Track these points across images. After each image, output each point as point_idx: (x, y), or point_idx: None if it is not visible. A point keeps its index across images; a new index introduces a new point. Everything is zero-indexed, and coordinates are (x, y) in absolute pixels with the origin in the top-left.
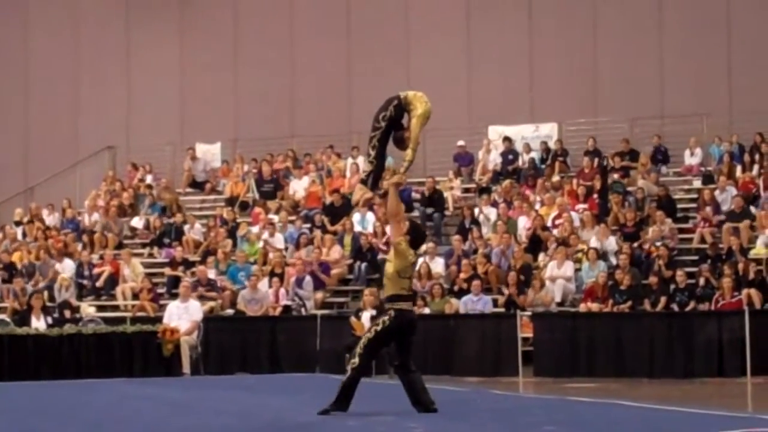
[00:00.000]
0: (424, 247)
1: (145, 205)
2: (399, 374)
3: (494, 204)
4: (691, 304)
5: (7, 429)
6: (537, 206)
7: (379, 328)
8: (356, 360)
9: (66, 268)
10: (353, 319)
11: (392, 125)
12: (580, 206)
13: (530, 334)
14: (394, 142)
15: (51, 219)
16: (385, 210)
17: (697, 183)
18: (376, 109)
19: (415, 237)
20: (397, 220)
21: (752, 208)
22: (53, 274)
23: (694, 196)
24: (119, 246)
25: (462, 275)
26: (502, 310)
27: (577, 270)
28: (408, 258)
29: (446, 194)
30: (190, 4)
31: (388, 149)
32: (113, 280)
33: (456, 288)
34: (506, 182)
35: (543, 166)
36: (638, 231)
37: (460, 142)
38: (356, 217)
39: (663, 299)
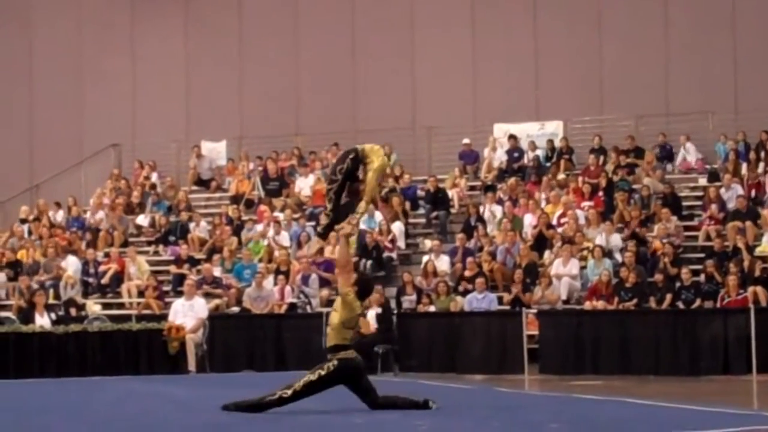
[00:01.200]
0: (429, 244)
1: (150, 203)
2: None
3: (500, 202)
4: (697, 302)
5: (12, 426)
6: (542, 204)
7: (323, 373)
8: (288, 393)
9: (71, 265)
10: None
11: (348, 178)
12: (586, 204)
13: (536, 332)
14: (349, 194)
15: (56, 217)
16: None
17: (703, 180)
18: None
19: (363, 289)
20: (347, 271)
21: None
22: (58, 272)
23: (700, 193)
24: (125, 244)
25: (467, 273)
26: (507, 307)
27: (583, 268)
28: (354, 309)
29: (451, 192)
30: (195, 2)
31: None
32: (119, 277)
33: (461, 288)
34: (512, 180)
35: (548, 164)
36: (643, 229)
37: (466, 140)
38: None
39: (668, 297)
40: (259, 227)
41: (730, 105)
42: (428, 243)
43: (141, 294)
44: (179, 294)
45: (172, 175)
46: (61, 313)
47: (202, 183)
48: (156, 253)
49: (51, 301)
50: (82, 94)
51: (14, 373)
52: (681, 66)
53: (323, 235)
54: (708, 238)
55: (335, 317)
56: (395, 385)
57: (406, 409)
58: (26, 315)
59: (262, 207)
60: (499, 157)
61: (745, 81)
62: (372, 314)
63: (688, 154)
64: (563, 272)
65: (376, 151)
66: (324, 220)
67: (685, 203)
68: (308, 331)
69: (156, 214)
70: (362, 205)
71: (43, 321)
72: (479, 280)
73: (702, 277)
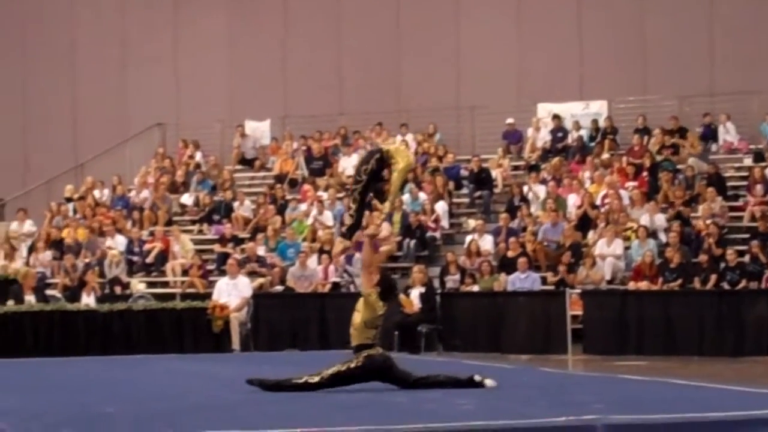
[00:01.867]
0: (472, 224)
1: (195, 182)
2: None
3: (543, 182)
4: (742, 283)
5: (58, 404)
6: (586, 184)
7: (351, 366)
8: (315, 379)
9: (116, 244)
10: (402, 296)
11: (373, 178)
12: (630, 184)
13: (579, 312)
14: (374, 194)
15: (101, 196)
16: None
17: (748, 161)
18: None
19: (386, 289)
20: (370, 271)
21: None
22: (101, 252)
23: (745, 174)
24: (169, 223)
25: (510, 253)
26: (550, 287)
27: (627, 248)
28: (376, 310)
29: (494, 172)
30: None
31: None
32: (163, 256)
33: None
34: (555, 160)
35: (592, 144)
36: (688, 209)
37: (510, 120)
38: (405, 195)
39: (713, 277)
40: (303, 206)
41: None
42: (472, 223)
43: (185, 273)
44: (223, 273)
45: (216, 154)
46: (106, 291)
47: (246, 162)
48: (200, 231)
49: (96, 279)
50: (127, 74)
51: (60, 352)
52: (725, 46)
53: (347, 236)
54: (753, 218)
55: (357, 317)
56: (439, 365)
57: (450, 387)
58: (73, 293)
59: (306, 186)
60: (543, 137)
61: None
62: (415, 294)
63: (728, 134)
64: (607, 252)
65: (401, 151)
66: (348, 220)
67: (729, 183)
68: (351, 310)
69: (200, 193)
70: (387, 205)
71: (89, 300)
72: (522, 260)
73: (747, 258)
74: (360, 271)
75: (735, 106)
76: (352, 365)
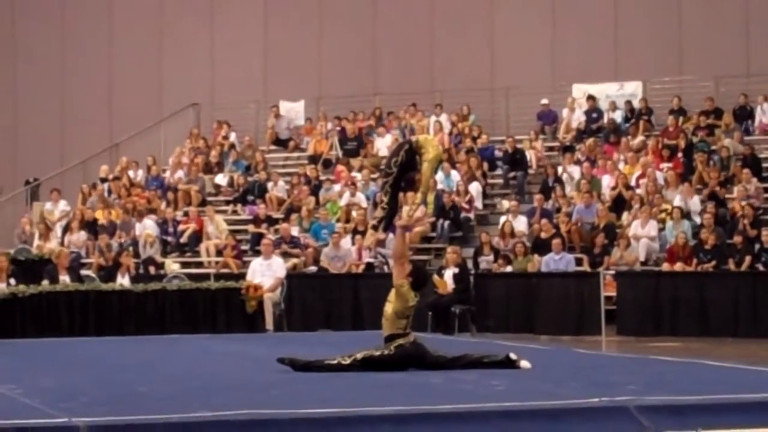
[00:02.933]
0: (506, 205)
1: (229, 163)
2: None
3: (577, 162)
4: None
5: (93, 383)
6: (621, 165)
7: (384, 353)
8: (347, 361)
9: (150, 225)
10: (436, 277)
11: (404, 170)
12: (665, 165)
13: (613, 293)
14: (405, 183)
15: (136, 176)
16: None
17: None
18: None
19: (417, 279)
20: (401, 262)
21: None
22: (134, 233)
23: None
24: (203, 203)
25: (543, 234)
26: (585, 268)
27: (661, 229)
28: (408, 300)
29: (529, 153)
30: None
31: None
32: (197, 237)
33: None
34: (590, 141)
35: (627, 125)
36: (723, 190)
37: (544, 101)
38: (440, 175)
39: (748, 258)
40: (337, 187)
41: None
42: (506, 204)
43: (219, 253)
44: (257, 253)
45: (251, 134)
46: (140, 271)
47: (280, 143)
48: (234, 212)
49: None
50: (162, 54)
51: (94, 331)
52: (761, 26)
53: (379, 228)
54: None
55: (389, 308)
56: (472, 346)
57: (486, 366)
58: (108, 273)
59: (340, 167)
60: (578, 118)
61: None
62: (449, 274)
63: (765, 115)
64: (641, 233)
65: (430, 141)
66: (380, 213)
67: (765, 165)
68: (385, 290)
69: (234, 173)
70: (419, 196)
71: (124, 280)
72: (556, 241)
73: None
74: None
75: None
76: (385, 352)
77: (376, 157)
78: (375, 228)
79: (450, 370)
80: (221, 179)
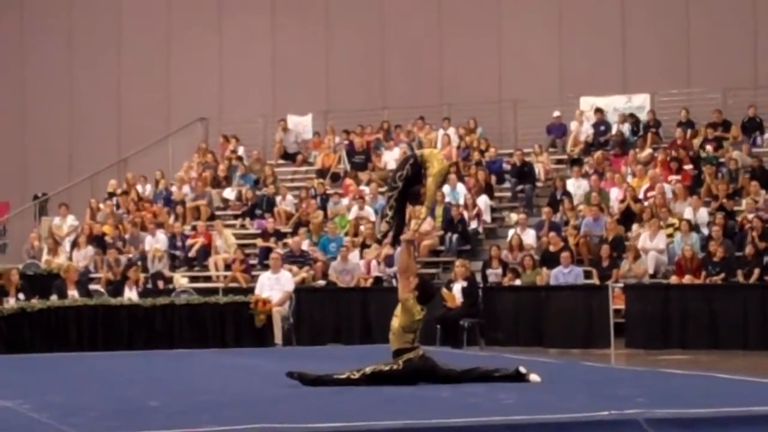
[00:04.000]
0: (515, 218)
1: (237, 177)
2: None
3: (585, 175)
4: None
5: (101, 398)
6: (629, 178)
7: (392, 368)
8: (356, 375)
9: (159, 239)
10: (444, 290)
11: (408, 184)
12: (673, 178)
13: (622, 306)
14: (409, 198)
15: (144, 190)
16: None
17: None
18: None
19: (424, 293)
20: (406, 276)
21: None
22: (142, 247)
23: None
24: (211, 217)
25: (552, 247)
26: (593, 281)
27: (669, 243)
28: (414, 315)
29: (537, 166)
30: None
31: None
32: (206, 251)
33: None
34: (598, 153)
35: (635, 138)
36: (731, 202)
37: (556, 113)
38: (447, 188)
39: (757, 271)
40: (345, 201)
41: None
42: (514, 217)
43: (228, 267)
44: (266, 267)
45: (259, 148)
46: (148, 286)
47: (288, 157)
48: (242, 226)
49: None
50: (170, 69)
51: (103, 346)
52: None
53: (383, 242)
54: None
55: (395, 322)
56: (481, 359)
57: (495, 380)
58: (116, 288)
59: (348, 181)
60: (585, 131)
61: None
62: (458, 288)
63: None
64: (650, 246)
65: (435, 155)
66: (384, 227)
67: None
68: (394, 304)
69: (243, 187)
70: (423, 209)
71: (132, 294)
72: (564, 254)
73: None
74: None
75: None
76: (394, 367)
77: (383, 170)
78: (379, 242)
79: (460, 383)
80: (229, 193)
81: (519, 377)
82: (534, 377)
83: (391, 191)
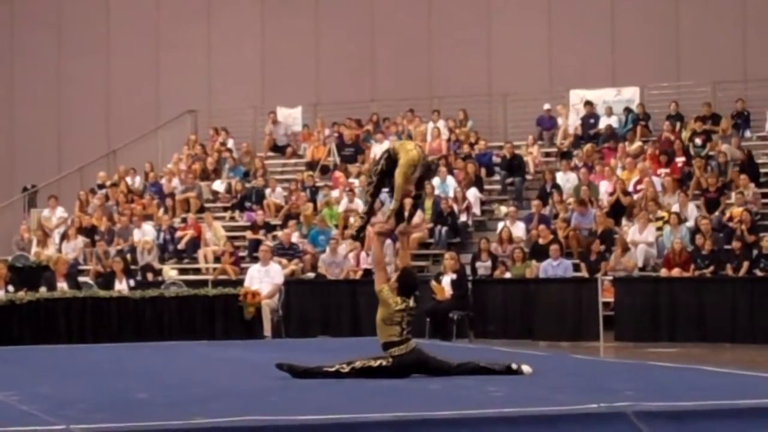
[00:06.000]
0: (504, 211)
1: (227, 169)
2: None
3: (575, 168)
4: None
5: (91, 390)
6: (618, 171)
7: (383, 364)
8: (346, 369)
9: (148, 231)
10: (434, 283)
11: (384, 178)
12: (662, 171)
13: (611, 299)
14: (390, 191)
15: (133, 183)
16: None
17: None
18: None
19: (404, 284)
20: (380, 268)
21: None
22: (132, 239)
23: None
24: (201, 210)
25: (542, 240)
26: (583, 274)
27: (659, 236)
28: (390, 306)
29: (527, 159)
30: None
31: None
32: (195, 243)
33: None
34: (587, 146)
35: (625, 131)
36: (720, 196)
37: (546, 106)
38: (437, 181)
39: (746, 264)
40: (335, 193)
41: None
42: (504, 209)
43: (217, 259)
44: (255, 259)
45: (248, 141)
46: (138, 278)
47: (278, 149)
48: (232, 218)
49: (129, 266)
50: (159, 61)
51: (92, 338)
52: (759, 31)
53: (357, 238)
54: None
55: (378, 314)
56: (470, 352)
57: (487, 374)
58: (106, 280)
59: (338, 173)
60: (573, 123)
61: None
62: (447, 281)
63: None
64: (639, 239)
65: (404, 145)
66: (358, 222)
67: (763, 170)
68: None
69: (232, 180)
70: (394, 203)
71: (121, 287)
72: (554, 247)
73: None
74: (392, 258)
75: None
76: (383, 363)
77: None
78: (353, 238)
79: (451, 376)
80: (219, 186)
81: (513, 372)
82: (526, 368)
83: (368, 186)
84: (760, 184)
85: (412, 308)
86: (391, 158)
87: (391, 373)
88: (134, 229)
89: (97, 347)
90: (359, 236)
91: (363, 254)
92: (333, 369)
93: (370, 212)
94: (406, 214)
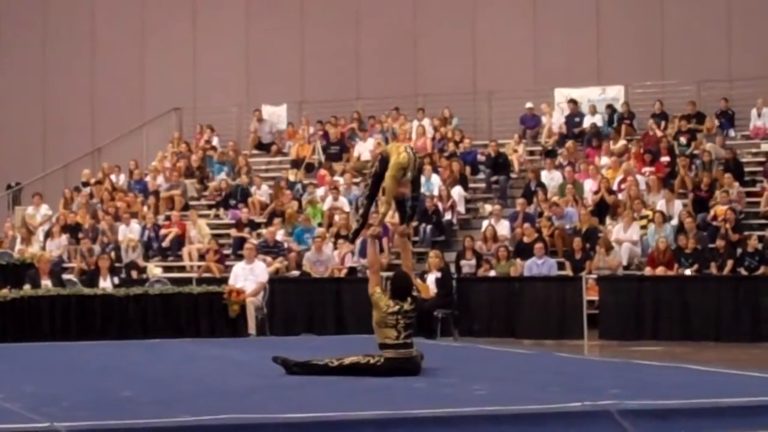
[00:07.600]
0: (489, 209)
1: (213, 166)
2: None
3: (560, 167)
4: (762, 269)
5: (75, 387)
6: (603, 169)
7: (372, 362)
8: (335, 363)
9: (132, 229)
10: (418, 281)
11: (379, 180)
12: (647, 169)
13: (596, 297)
14: (383, 193)
15: (117, 180)
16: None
17: (765, 146)
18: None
19: (396, 287)
20: (373, 271)
21: None
22: (116, 237)
23: (762, 159)
24: (185, 207)
25: (526, 238)
26: (567, 273)
27: (643, 234)
28: (382, 308)
29: (511, 157)
30: None
31: None
32: (180, 241)
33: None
34: (569, 144)
35: (609, 129)
36: (705, 195)
37: (529, 104)
38: (422, 179)
39: (730, 263)
40: (320, 191)
41: None
42: (488, 208)
43: (202, 257)
44: (240, 257)
45: (233, 138)
46: (122, 276)
47: (263, 147)
48: (217, 216)
49: (114, 264)
50: (144, 58)
51: (76, 336)
52: (743, 30)
53: (353, 241)
54: None
55: (373, 317)
56: (455, 350)
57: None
58: (90, 278)
59: (323, 171)
60: (557, 122)
61: None
62: (431, 279)
63: (762, 118)
64: (624, 238)
65: (395, 147)
66: (355, 225)
67: (747, 169)
68: (367, 294)
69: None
70: (384, 205)
71: (106, 284)
72: (538, 246)
73: (760, 245)
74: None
75: (754, 91)
76: (373, 361)
77: (358, 161)
78: (349, 240)
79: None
80: (213, 183)
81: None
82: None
83: (365, 188)
84: (745, 183)
85: (407, 311)
86: (384, 160)
87: (379, 373)
88: (119, 227)
89: (81, 345)
90: (355, 239)
91: (348, 254)
92: (322, 363)
93: (367, 215)
94: (404, 214)
